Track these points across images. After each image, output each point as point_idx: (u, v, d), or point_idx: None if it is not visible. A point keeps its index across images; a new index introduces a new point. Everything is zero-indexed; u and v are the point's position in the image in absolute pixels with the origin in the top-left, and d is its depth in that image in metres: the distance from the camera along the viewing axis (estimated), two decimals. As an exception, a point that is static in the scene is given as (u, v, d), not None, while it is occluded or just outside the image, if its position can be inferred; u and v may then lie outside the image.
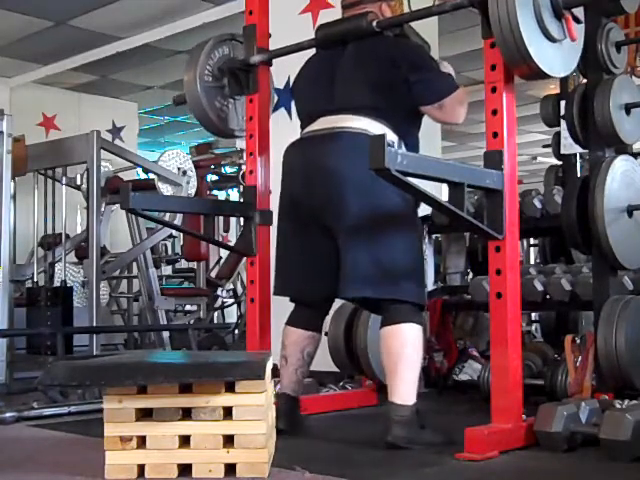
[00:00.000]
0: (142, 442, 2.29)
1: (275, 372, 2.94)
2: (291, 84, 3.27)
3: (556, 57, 2.72)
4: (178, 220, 5.13)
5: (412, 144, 2.96)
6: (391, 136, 2.81)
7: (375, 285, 2.79)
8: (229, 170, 7.75)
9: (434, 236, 4.56)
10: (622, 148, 3.52)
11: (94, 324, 4.61)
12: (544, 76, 2.71)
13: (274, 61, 3.45)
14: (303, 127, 3.07)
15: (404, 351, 2.75)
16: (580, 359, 3.24)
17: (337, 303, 3.67)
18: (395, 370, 2.75)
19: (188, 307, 7.24)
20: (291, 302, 3.14)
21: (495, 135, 2.76)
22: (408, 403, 2.73)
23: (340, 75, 2.97)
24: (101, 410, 2.33)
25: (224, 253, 7.42)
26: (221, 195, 8.08)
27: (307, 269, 2.99)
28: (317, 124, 2.97)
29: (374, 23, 2.98)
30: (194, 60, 3.42)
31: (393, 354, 2.77)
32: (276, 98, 4.15)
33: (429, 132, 5.49)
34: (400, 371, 2.74)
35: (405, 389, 2.74)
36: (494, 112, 2.76)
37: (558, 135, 4.53)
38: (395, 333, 2.78)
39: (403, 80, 2.87)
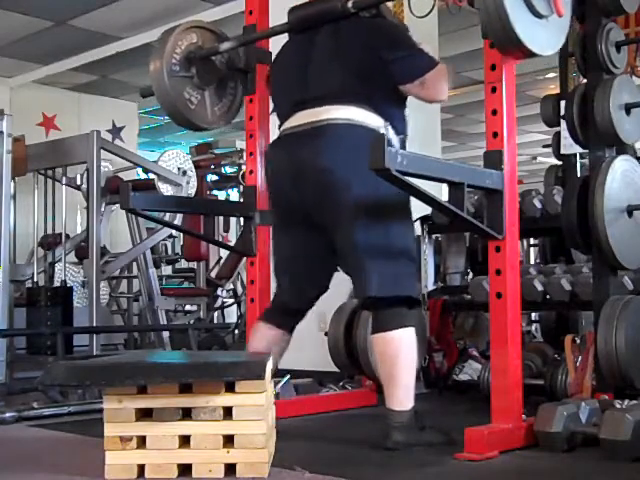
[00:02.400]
0: (142, 442, 2.28)
1: (275, 372, 2.94)
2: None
3: (543, 34, 2.60)
4: (178, 220, 5.13)
5: (400, 126, 2.87)
6: (377, 121, 2.75)
7: (381, 284, 2.73)
8: (229, 170, 7.75)
9: (434, 236, 4.56)
10: (622, 148, 3.52)
11: (94, 324, 4.61)
12: (532, 55, 2.60)
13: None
14: (282, 121, 2.93)
15: (399, 357, 2.71)
16: (580, 359, 3.24)
17: (336, 303, 3.67)
18: (391, 376, 2.71)
19: (188, 307, 7.24)
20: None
21: (495, 135, 2.76)
22: (406, 408, 2.70)
23: (316, 61, 2.86)
24: (101, 410, 2.33)
25: (224, 253, 7.42)
26: (221, 195, 8.08)
27: (298, 272, 2.94)
28: (297, 119, 2.84)
29: (349, 4, 2.85)
30: (160, 49, 3.26)
31: (388, 361, 2.73)
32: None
33: (429, 132, 5.54)
34: (396, 377, 2.71)
35: (402, 394, 2.70)
36: (494, 112, 2.75)
37: (558, 135, 4.53)
38: (388, 340, 2.73)
39: (381, 60, 2.77)
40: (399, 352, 2.71)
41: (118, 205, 4.70)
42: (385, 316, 2.75)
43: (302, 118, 2.82)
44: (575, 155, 4.57)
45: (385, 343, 2.73)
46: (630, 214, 3.19)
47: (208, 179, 7.75)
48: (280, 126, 2.94)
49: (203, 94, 3.37)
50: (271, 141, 2.97)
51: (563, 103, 4.05)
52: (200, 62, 3.33)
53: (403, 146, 2.89)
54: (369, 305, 2.84)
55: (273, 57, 3.25)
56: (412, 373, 2.74)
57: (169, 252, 8.27)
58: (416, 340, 2.78)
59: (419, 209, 3.72)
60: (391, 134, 2.77)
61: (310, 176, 2.76)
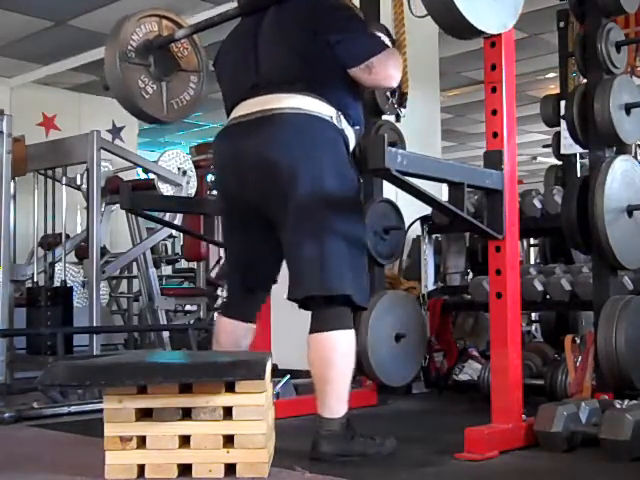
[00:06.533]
0: (142, 442, 2.28)
1: (275, 372, 2.93)
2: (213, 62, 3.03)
3: (490, 11, 2.49)
4: (178, 220, 5.13)
5: (354, 115, 2.71)
6: (327, 110, 2.61)
7: (320, 283, 2.55)
8: (229, 170, 7.72)
9: (434, 236, 4.56)
10: (622, 148, 3.52)
11: (94, 324, 4.61)
12: (477, 32, 2.48)
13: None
14: (229, 110, 2.78)
15: (333, 360, 2.54)
16: (580, 359, 3.24)
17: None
18: (324, 381, 2.55)
19: (188, 307, 7.24)
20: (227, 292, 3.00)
21: (495, 135, 2.76)
22: (337, 416, 2.54)
23: (262, 46, 2.71)
24: (101, 410, 2.33)
25: (224, 253, 7.40)
26: (221, 195, 8.06)
27: (248, 265, 2.83)
28: (244, 107, 2.69)
29: None
30: (115, 34, 3.17)
31: (322, 364, 2.55)
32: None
33: (429, 132, 5.54)
34: (329, 382, 2.54)
35: (335, 401, 2.55)
36: (494, 112, 2.76)
37: (558, 135, 4.54)
38: (322, 341, 2.56)
39: (326, 41, 2.60)
40: (333, 355, 2.55)
41: (118, 205, 4.71)
42: (322, 316, 2.59)
43: (249, 107, 2.68)
44: (575, 155, 4.58)
45: (318, 344, 2.57)
46: (630, 214, 3.20)
47: (208, 179, 7.74)
48: (228, 114, 2.79)
49: (160, 85, 3.28)
50: (219, 131, 2.83)
51: (563, 103, 4.06)
52: (158, 52, 3.24)
53: (358, 138, 2.77)
54: (307, 305, 2.64)
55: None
56: (347, 378, 2.59)
57: (169, 252, 8.27)
58: (354, 344, 2.63)
59: (419, 209, 3.74)
60: (344, 124, 2.67)
61: (256, 168, 2.62)
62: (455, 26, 2.46)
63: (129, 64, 3.18)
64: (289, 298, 2.68)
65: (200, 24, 3.27)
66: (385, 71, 2.60)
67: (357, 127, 2.74)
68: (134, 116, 3.41)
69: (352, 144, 2.73)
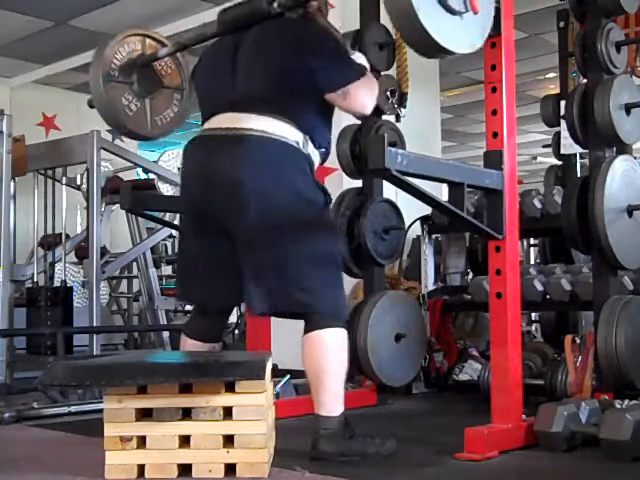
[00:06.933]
0: (142, 442, 2.29)
1: (275, 372, 2.94)
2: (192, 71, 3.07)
3: (457, 31, 2.46)
4: (178, 220, 5.12)
5: (321, 139, 2.76)
6: (294, 135, 2.65)
7: (286, 299, 2.61)
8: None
9: (434, 236, 4.56)
10: (622, 148, 3.53)
11: (94, 324, 4.61)
12: (445, 52, 2.45)
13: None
14: (204, 120, 2.82)
15: (328, 358, 2.57)
16: (580, 359, 3.24)
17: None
18: (319, 379, 2.57)
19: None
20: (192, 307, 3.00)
21: (495, 135, 2.76)
22: (334, 414, 2.57)
23: (241, 62, 2.75)
24: (101, 410, 2.34)
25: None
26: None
27: (210, 276, 2.80)
28: (217, 121, 2.73)
29: (275, 4, 2.71)
30: (99, 53, 3.25)
31: (316, 362, 2.58)
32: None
33: (429, 132, 5.55)
34: (324, 380, 2.57)
35: (329, 398, 2.57)
36: (494, 112, 2.76)
37: (558, 135, 4.54)
38: (317, 339, 2.59)
39: (306, 66, 2.64)
40: (323, 352, 2.58)
41: (118, 205, 4.70)
42: (311, 318, 2.62)
43: (220, 122, 2.72)
44: (575, 155, 4.58)
45: (310, 343, 2.60)
46: (630, 214, 3.20)
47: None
48: (202, 123, 2.83)
49: (143, 102, 3.32)
50: (190, 139, 2.86)
51: (563, 103, 4.06)
52: (141, 70, 3.28)
53: (324, 160, 2.81)
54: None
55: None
56: (342, 376, 2.61)
57: (169, 252, 8.26)
58: (346, 341, 2.65)
59: (419, 209, 3.74)
60: (310, 148, 2.70)
61: (220, 185, 2.65)
62: (423, 44, 2.42)
63: (113, 83, 3.23)
64: (252, 313, 2.76)
65: (183, 43, 3.27)
66: (358, 99, 2.68)
67: (323, 149, 2.79)
68: (119, 133, 3.44)
69: (317, 165, 2.78)
